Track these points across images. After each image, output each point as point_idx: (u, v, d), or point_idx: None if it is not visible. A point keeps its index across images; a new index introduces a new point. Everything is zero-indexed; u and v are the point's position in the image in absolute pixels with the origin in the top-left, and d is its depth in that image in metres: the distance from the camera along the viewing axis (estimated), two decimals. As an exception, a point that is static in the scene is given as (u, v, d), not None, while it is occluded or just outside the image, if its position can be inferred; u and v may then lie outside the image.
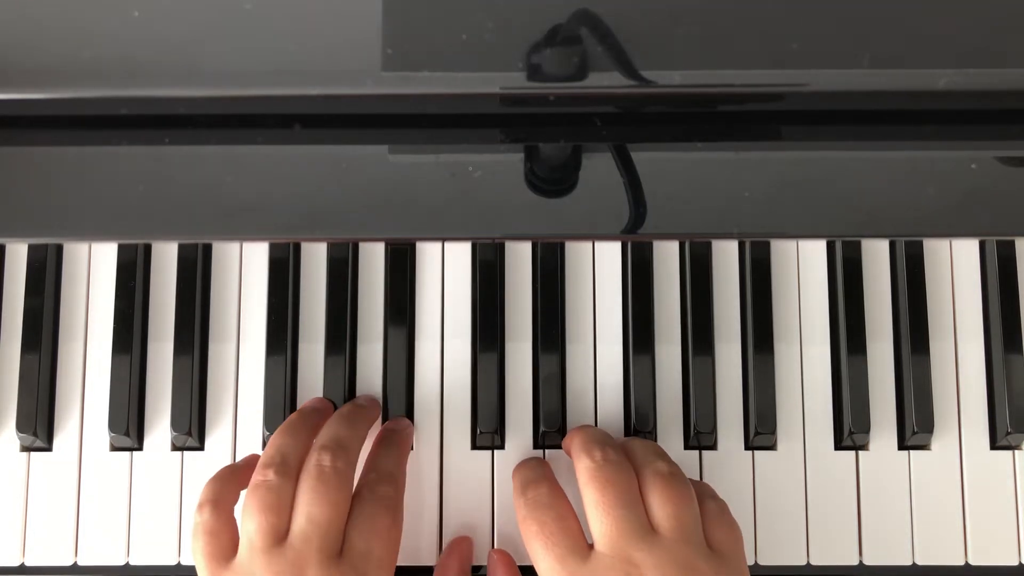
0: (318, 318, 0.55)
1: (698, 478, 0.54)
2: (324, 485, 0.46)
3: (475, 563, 0.54)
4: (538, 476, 0.50)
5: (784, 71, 0.45)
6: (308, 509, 0.46)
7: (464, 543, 0.53)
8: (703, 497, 0.49)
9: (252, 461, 0.51)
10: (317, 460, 0.47)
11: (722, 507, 0.49)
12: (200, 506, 0.47)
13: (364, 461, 0.51)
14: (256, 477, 0.47)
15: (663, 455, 0.49)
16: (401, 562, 0.53)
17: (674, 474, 0.47)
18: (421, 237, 0.54)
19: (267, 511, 0.46)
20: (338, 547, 0.46)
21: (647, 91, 0.45)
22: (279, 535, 0.46)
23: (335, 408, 0.54)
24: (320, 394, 0.55)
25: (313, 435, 0.51)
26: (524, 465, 0.52)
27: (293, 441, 0.49)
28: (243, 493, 0.49)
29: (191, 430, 0.54)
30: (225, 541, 0.46)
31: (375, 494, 0.48)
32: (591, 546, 0.46)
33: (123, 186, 0.46)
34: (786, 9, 0.44)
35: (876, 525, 0.54)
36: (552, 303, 0.55)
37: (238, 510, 0.48)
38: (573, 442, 0.50)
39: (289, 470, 0.47)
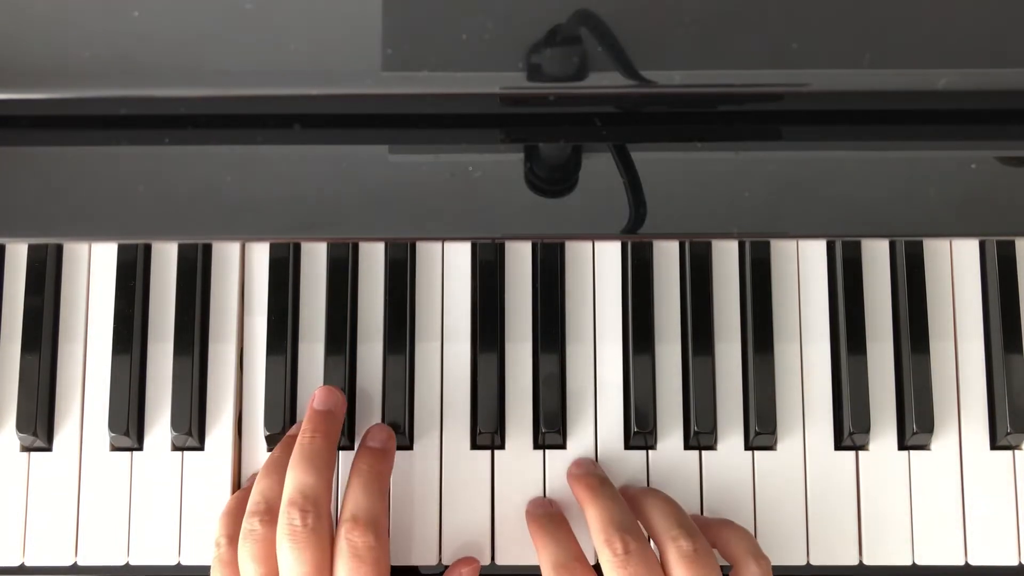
0: (318, 318, 0.55)
1: (698, 478, 0.54)
2: (299, 546, 0.46)
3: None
4: (570, 559, 0.48)
5: (784, 71, 0.45)
6: (289, 568, 0.46)
7: (466, 567, 0.52)
8: (745, 562, 0.48)
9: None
10: (288, 519, 0.46)
11: (764, 570, 0.48)
12: (217, 541, 0.50)
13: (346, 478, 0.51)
14: (245, 525, 0.48)
15: (683, 523, 0.48)
16: (400, 562, 0.54)
17: (698, 551, 0.46)
18: (421, 237, 0.54)
19: (257, 561, 0.47)
20: None
21: (647, 91, 0.45)
22: None
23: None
24: (320, 394, 0.55)
25: None
26: (553, 541, 0.50)
27: (274, 482, 0.49)
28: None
29: (191, 430, 0.54)
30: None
31: (355, 547, 0.46)
32: None
33: (123, 186, 0.46)
34: (786, 9, 0.44)
35: (876, 525, 0.54)
36: (552, 303, 0.55)
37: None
38: (590, 524, 0.49)
39: (274, 517, 0.48)
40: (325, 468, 0.49)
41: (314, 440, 0.49)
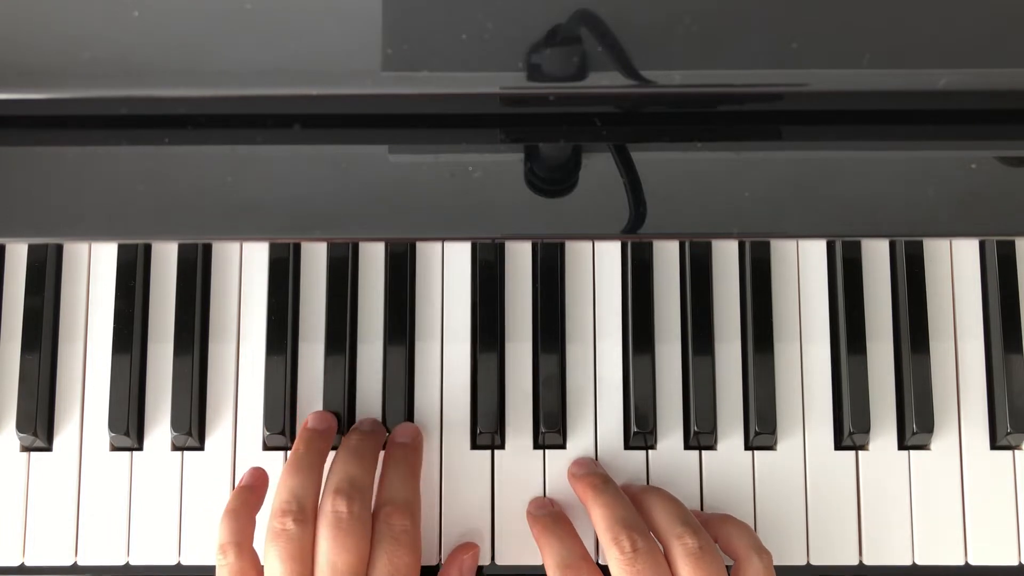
0: (318, 318, 0.55)
1: (698, 478, 0.54)
2: (343, 533, 0.46)
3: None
4: (575, 559, 0.48)
5: (784, 71, 0.44)
6: (330, 558, 0.46)
7: (467, 553, 0.53)
8: (747, 557, 0.48)
9: (255, 480, 0.52)
10: (333, 507, 0.47)
11: (767, 564, 0.48)
12: (223, 548, 0.48)
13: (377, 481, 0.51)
14: (275, 524, 0.47)
15: (688, 521, 0.48)
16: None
17: (703, 548, 0.46)
18: (421, 237, 0.54)
19: (291, 560, 0.46)
20: None
21: (647, 91, 0.45)
22: None
23: (337, 420, 0.54)
24: (320, 394, 0.55)
25: (322, 464, 0.51)
26: (557, 541, 0.50)
27: (305, 481, 0.49)
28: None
29: (191, 430, 0.54)
30: None
31: (393, 530, 0.48)
32: None
33: (123, 186, 0.46)
34: (786, 9, 0.44)
35: (876, 525, 0.54)
36: (552, 303, 0.55)
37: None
38: (596, 523, 0.49)
39: (306, 516, 0.47)
40: (370, 460, 0.51)
41: (359, 441, 0.51)
